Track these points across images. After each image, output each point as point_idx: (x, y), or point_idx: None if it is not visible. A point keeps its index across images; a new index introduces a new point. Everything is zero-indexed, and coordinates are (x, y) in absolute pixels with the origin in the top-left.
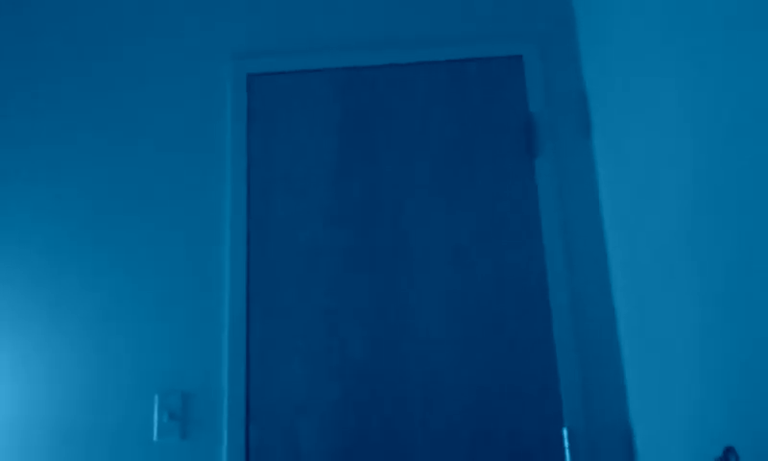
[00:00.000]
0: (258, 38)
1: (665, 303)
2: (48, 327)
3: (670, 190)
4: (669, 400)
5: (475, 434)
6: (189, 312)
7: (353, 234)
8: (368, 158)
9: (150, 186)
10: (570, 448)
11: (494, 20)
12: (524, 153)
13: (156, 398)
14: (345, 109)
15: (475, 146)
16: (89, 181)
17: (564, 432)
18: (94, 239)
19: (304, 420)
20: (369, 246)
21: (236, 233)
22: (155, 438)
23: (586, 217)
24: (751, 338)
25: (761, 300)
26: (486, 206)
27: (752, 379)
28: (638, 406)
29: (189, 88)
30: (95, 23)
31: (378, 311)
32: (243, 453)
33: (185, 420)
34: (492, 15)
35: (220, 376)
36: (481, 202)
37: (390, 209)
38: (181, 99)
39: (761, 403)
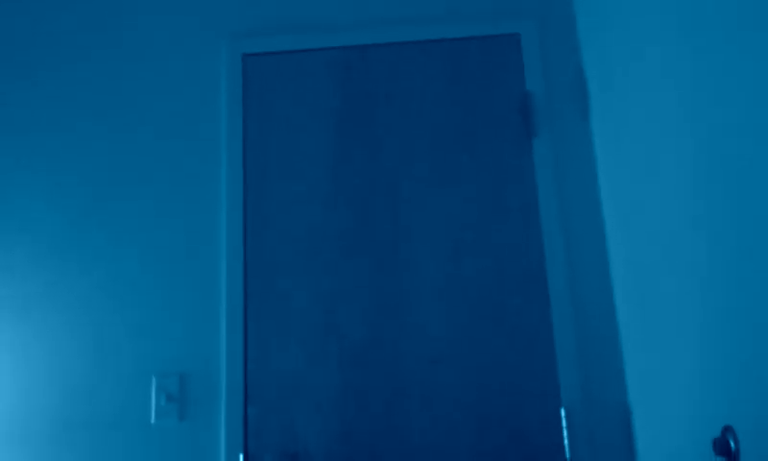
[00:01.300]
0: (254, 17)
1: (664, 285)
2: (47, 310)
3: (670, 171)
4: (668, 380)
5: (474, 415)
6: (187, 295)
7: (352, 216)
8: (365, 138)
9: (146, 170)
10: (568, 427)
11: None
12: (522, 133)
13: (154, 380)
14: (342, 89)
15: (473, 126)
16: (87, 165)
17: (562, 412)
18: (93, 222)
19: (302, 403)
20: (367, 227)
21: (233, 217)
22: (152, 420)
23: (584, 197)
24: (750, 318)
25: (763, 281)
26: (483, 186)
27: (751, 360)
28: (637, 386)
29: (184, 70)
30: (91, 6)
31: (376, 295)
32: (241, 435)
33: (183, 402)
34: None
35: (218, 359)
36: (479, 182)
37: (387, 191)
38: (176, 81)
39: (760, 384)
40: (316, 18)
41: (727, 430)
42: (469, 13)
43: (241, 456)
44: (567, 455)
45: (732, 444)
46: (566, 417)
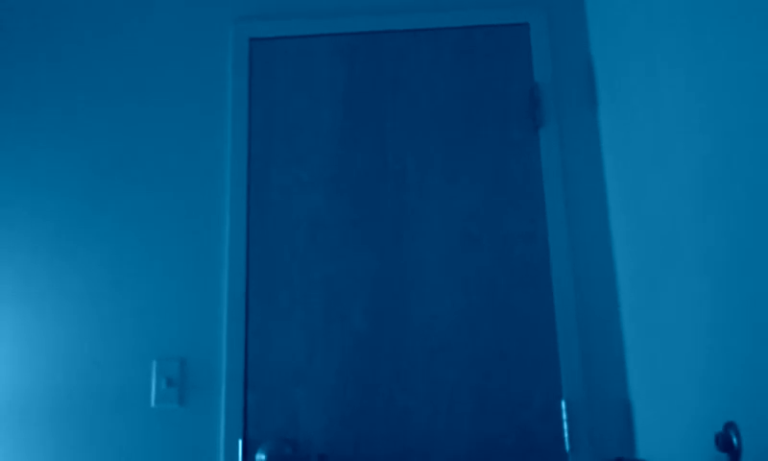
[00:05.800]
0: (262, 1)
1: (667, 279)
2: (50, 292)
3: (678, 164)
4: (669, 374)
5: (475, 404)
6: (189, 279)
7: (356, 203)
8: (370, 125)
9: (150, 153)
10: (568, 420)
11: None
12: (529, 123)
13: (155, 364)
14: (349, 76)
15: (480, 115)
16: (91, 147)
17: (563, 404)
18: (96, 205)
19: (304, 390)
20: (371, 215)
21: (236, 201)
22: (152, 404)
23: (589, 188)
24: (755, 313)
25: None
26: (489, 175)
27: (754, 355)
28: (638, 380)
29: (191, 52)
30: None
31: (380, 282)
32: (241, 420)
33: (183, 386)
34: None
35: (219, 344)
36: (485, 171)
37: (392, 179)
38: (182, 64)
39: (763, 379)
40: (323, 3)
41: (729, 426)
42: (478, 2)
43: (240, 442)
44: (567, 448)
45: (735, 439)
46: (567, 409)
